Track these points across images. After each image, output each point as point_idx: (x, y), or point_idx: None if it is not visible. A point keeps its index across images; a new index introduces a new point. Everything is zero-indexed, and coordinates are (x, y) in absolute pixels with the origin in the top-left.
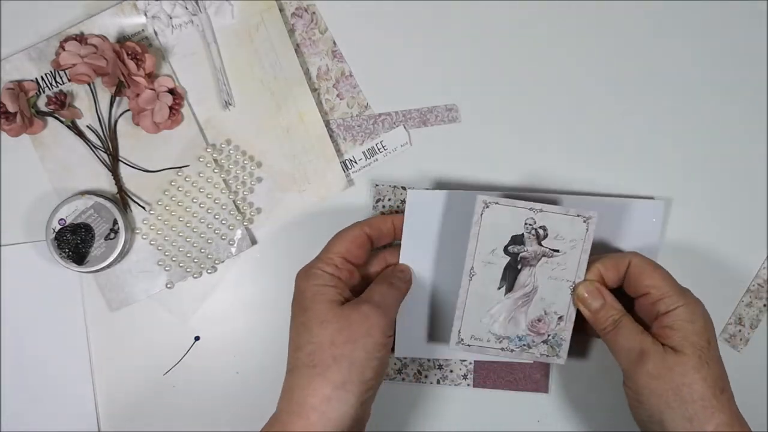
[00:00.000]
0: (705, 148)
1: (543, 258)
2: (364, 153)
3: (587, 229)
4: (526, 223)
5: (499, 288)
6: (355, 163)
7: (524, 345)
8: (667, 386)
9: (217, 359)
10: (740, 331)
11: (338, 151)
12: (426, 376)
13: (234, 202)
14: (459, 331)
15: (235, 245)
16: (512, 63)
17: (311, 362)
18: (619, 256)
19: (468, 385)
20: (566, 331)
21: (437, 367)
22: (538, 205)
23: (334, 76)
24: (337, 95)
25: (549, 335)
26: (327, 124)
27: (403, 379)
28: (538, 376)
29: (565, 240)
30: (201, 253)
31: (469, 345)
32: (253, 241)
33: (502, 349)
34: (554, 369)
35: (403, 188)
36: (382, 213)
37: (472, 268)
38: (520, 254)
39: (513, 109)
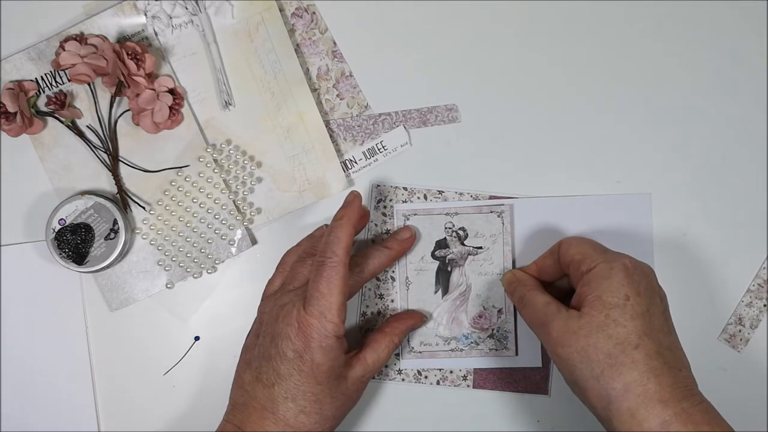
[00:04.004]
0: (705, 148)
1: (469, 257)
2: (364, 153)
3: (503, 222)
4: (446, 227)
5: (435, 292)
6: (355, 163)
7: (472, 342)
8: (572, 350)
9: (217, 359)
10: (740, 331)
11: (338, 151)
12: (426, 377)
13: (234, 202)
14: (409, 340)
15: (235, 245)
16: (512, 63)
17: (297, 422)
18: (554, 244)
19: (468, 386)
20: (509, 322)
21: (437, 367)
22: (452, 209)
23: (334, 76)
24: (337, 95)
25: (493, 329)
26: (327, 124)
27: (403, 380)
28: (538, 377)
29: (486, 236)
30: (201, 253)
31: (420, 352)
32: (253, 241)
33: (452, 350)
34: (554, 371)
35: (404, 188)
36: (383, 214)
37: (407, 277)
38: (447, 257)
39: (513, 109)
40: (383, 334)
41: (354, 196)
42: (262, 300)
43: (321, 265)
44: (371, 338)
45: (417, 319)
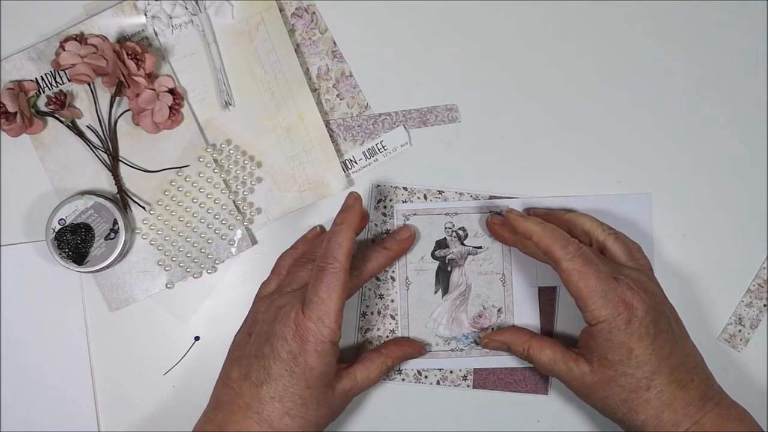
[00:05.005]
0: (706, 149)
1: (469, 257)
2: (364, 153)
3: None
4: (445, 227)
5: (435, 292)
6: (355, 163)
7: (472, 342)
8: (592, 400)
9: (217, 359)
10: (740, 331)
11: (338, 151)
12: (426, 377)
13: (234, 202)
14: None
15: (235, 245)
16: (512, 63)
17: (281, 424)
18: (555, 252)
19: (468, 386)
20: (508, 322)
21: (437, 367)
22: (452, 209)
23: (334, 76)
24: (337, 95)
25: (492, 328)
26: (327, 124)
27: (403, 380)
28: (537, 377)
29: (485, 236)
30: (201, 253)
31: (417, 357)
32: (253, 241)
33: (452, 350)
34: None
35: (404, 188)
36: (383, 214)
37: (407, 277)
38: (447, 257)
39: (513, 108)
40: (378, 353)
41: (354, 199)
42: (255, 301)
43: (322, 270)
44: (365, 355)
45: (416, 349)
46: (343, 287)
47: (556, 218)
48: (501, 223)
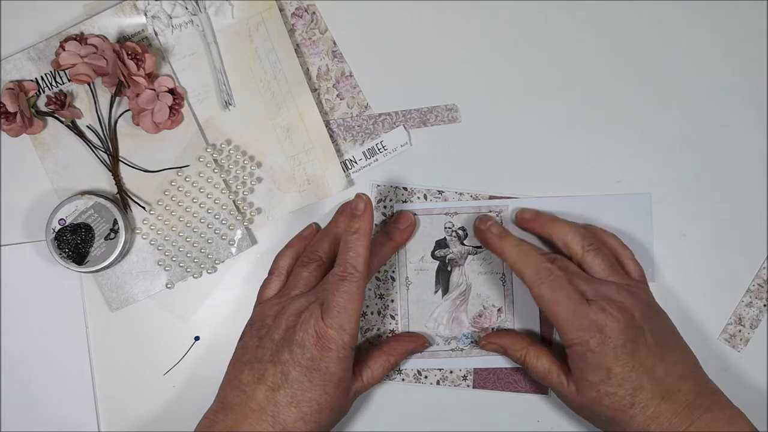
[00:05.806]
0: (706, 149)
1: (469, 256)
2: (364, 153)
3: (503, 222)
4: (445, 227)
5: (436, 292)
6: (355, 163)
7: (472, 342)
8: (581, 414)
9: (217, 359)
10: (740, 331)
11: (338, 151)
12: (426, 377)
13: (234, 202)
14: None
15: (235, 245)
16: (512, 63)
17: (295, 428)
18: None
19: (468, 386)
20: (508, 321)
21: (437, 367)
22: (452, 209)
23: (334, 76)
24: (337, 95)
25: (492, 328)
26: (327, 124)
27: (403, 380)
28: None
29: None
30: (201, 253)
31: (420, 352)
32: (253, 241)
33: (452, 350)
34: None
35: (404, 188)
36: (383, 214)
37: (407, 277)
38: (447, 257)
39: (513, 109)
40: (381, 352)
41: (366, 204)
42: (259, 303)
43: (342, 279)
44: (368, 355)
45: (418, 343)
46: (361, 294)
47: (542, 224)
48: (486, 230)
